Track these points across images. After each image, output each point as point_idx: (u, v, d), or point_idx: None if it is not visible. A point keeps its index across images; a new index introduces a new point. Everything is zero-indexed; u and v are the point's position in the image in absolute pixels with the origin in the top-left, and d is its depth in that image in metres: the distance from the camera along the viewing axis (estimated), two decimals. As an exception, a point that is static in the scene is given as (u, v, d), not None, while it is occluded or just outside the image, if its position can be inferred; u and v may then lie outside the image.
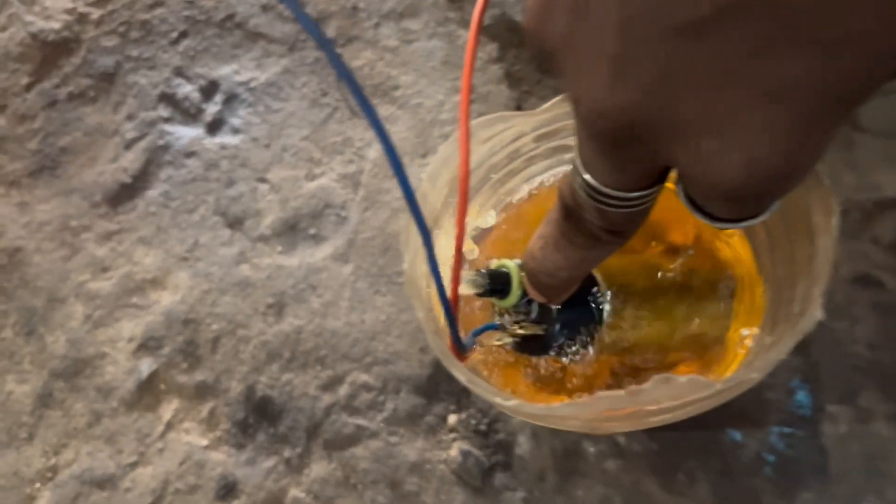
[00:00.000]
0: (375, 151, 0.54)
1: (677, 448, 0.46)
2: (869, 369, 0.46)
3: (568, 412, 0.23)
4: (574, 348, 0.34)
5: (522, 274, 0.30)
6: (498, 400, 0.23)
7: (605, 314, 0.33)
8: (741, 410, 0.46)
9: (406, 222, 0.27)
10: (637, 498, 0.45)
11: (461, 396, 0.49)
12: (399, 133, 0.54)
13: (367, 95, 0.53)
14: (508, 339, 0.33)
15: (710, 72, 0.18)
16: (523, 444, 0.47)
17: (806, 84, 0.17)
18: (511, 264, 0.30)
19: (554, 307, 0.32)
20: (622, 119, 0.20)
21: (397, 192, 0.53)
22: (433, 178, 0.28)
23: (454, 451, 0.47)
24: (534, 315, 0.32)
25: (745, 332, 0.35)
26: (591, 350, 0.34)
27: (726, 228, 0.25)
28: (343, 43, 0.57)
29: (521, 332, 0.32)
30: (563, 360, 0.36)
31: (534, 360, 0.38)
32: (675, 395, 0.23)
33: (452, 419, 0.48)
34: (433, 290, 0.27)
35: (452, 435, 0.48)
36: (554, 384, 0.38)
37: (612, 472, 0.46)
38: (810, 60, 0.17)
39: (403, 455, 0.48)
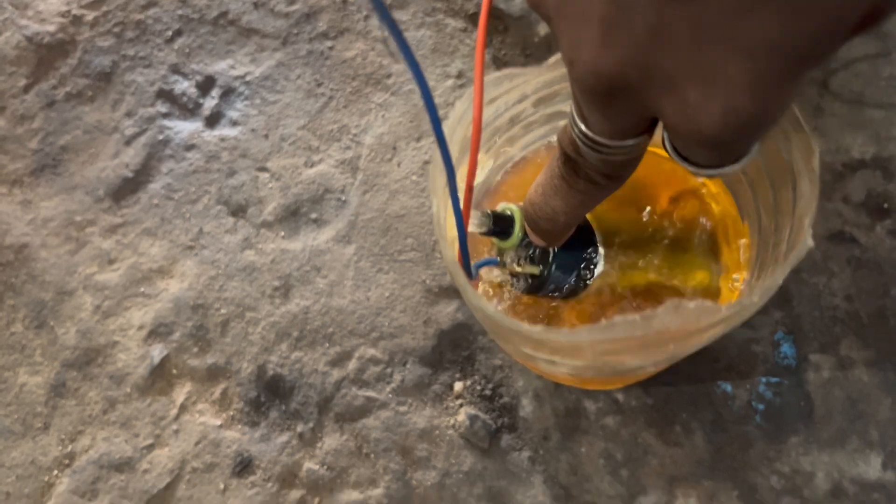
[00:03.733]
0: (371, 137, 0.56)
1: (672, 402, 0.49)
2: (847, 320, 0.49)
3: (587, 337, 0.25)
4: (568, 291, 0.36)
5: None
6: (525, 327, 0.25)
7: (598, 261, 0.36)
8: (730, 364, 0.49)
9: (432, 170, 0.29)
10: (636, 450, 0.48)
11: (465, 364, 0.51)
12: (393, 119, 0.57)
13: (364, 82, 0.55)
14: (507, 277, 0.35)
15: (691, 31, 0.20)
16: (527, 406, 0.50)
17: (776, 42, 0.20)
18: (515, 208, 0.33)
19: (551, 251, 0.35)
20: (613, 76, 0.23)
21: (395, 175, 0.55)
22: (450, 134, 0.30)
23: (461, 417, 0.50)
24: (532, 257, 0.34)
25: (735, 276, 0.38)
26: (583, 293, 0.36)
27: (708, 176, 0.27)
28: (335, 35, 0.60)
29: (518, 269, 0.34)
30: (557, 300, 0.38)
31: (530, 309, 0.40)
32: (684, 319, 0.25)
33: (458, 386, 0.51)
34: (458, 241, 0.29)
35: (459, 401, 0.50)
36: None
37: (611, 427, 0.49)
38: (781, 21, 0.19)
39: (413, 423, 0.50)
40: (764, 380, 0.48)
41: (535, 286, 0.36)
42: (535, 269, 0.35)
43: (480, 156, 0.31)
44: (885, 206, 0.50)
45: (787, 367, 0.48)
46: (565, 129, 0.29)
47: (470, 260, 0.30)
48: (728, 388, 0.49)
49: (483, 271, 0.37)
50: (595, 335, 0.25)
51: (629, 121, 0.26)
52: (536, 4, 0.25)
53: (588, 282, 0.36)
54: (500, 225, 0.33)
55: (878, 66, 0.52)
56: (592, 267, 0.36)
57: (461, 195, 0.29)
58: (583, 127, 0.27)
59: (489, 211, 0.32)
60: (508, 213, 0.33)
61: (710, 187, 0.40)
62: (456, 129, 0.29)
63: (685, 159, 0.26)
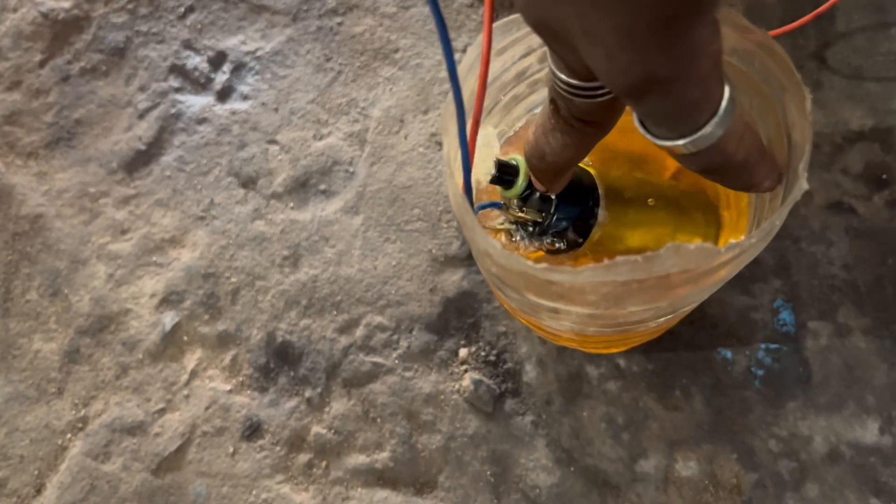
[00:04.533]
0: (379, 110, 0.58)
1: (672, 367, 0.50)
2: (845, 288, 0.50)
3: (590, 276, 0.26)
4: (568, 241, 0.37)
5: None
6: (530, 264, 0.26)
7: (599, 214, 0.37)
8: (730, 330, 0.50)
9: (444, 111, 0.30)
10: (637, 414, 0.49)
11: (470, 331, 0.52)
12: (401, 92, 0.58)
13: (372, 56, 0.56)
14: (509, 225, 0.36)
15: None
16: (530, 372, 0.51)
17: (620, 6, 0.21)
18: (520, 158, 0.34)
19: (554, 201, 0.36)
20: (528, 20, 0.25)
21: (402, 147, 0.56)
22: (463, 75, 0.31)
23: (466, 382, 0.51)
24: (535, 206, 0.35)
25: (732, 242, 0.39)
26: (582, 245, 0.37)
27: (666, 147, 0.27)
28: (343, 11, 0.61)
29: (521, 214, 0.35)
30: (556, 254, 0.39)
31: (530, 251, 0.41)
32: (685, 261, 0.26)
33: (463, 352, 0.52)
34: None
35: (464, 367, 0.51)
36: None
37: (613, 392, 0.50)
38: None
39: (419, 388, 0.51)
40: (763, 346, 0.49)
41: (537, 234, 0.37)
42: (538, 215, 0.36)
43: (484, 124, 0.32)
44: (884, 177, 0.51)
45: (785, 333, 0.49)
46: (548, 71, 0.30)
47: (473, 200, 0.31)
48: (728, 354, 0.50)
49: (488, 221, 0.38)
50: (598, 275, 0.26)
51: (572, 60, 0.27)
52: None
53: (588, 232, 0.37)
54: (504, 173, 0.34)
55: (877, 40, 0.53)
56: (592, 219, 0.37)
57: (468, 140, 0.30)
58: (551, 64, 0.28)
59: (495, 159, 0.33)
60: (514, 162, 0.34)
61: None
62: (468, 76, 0.30)
63: (643, 126, 0.27)
